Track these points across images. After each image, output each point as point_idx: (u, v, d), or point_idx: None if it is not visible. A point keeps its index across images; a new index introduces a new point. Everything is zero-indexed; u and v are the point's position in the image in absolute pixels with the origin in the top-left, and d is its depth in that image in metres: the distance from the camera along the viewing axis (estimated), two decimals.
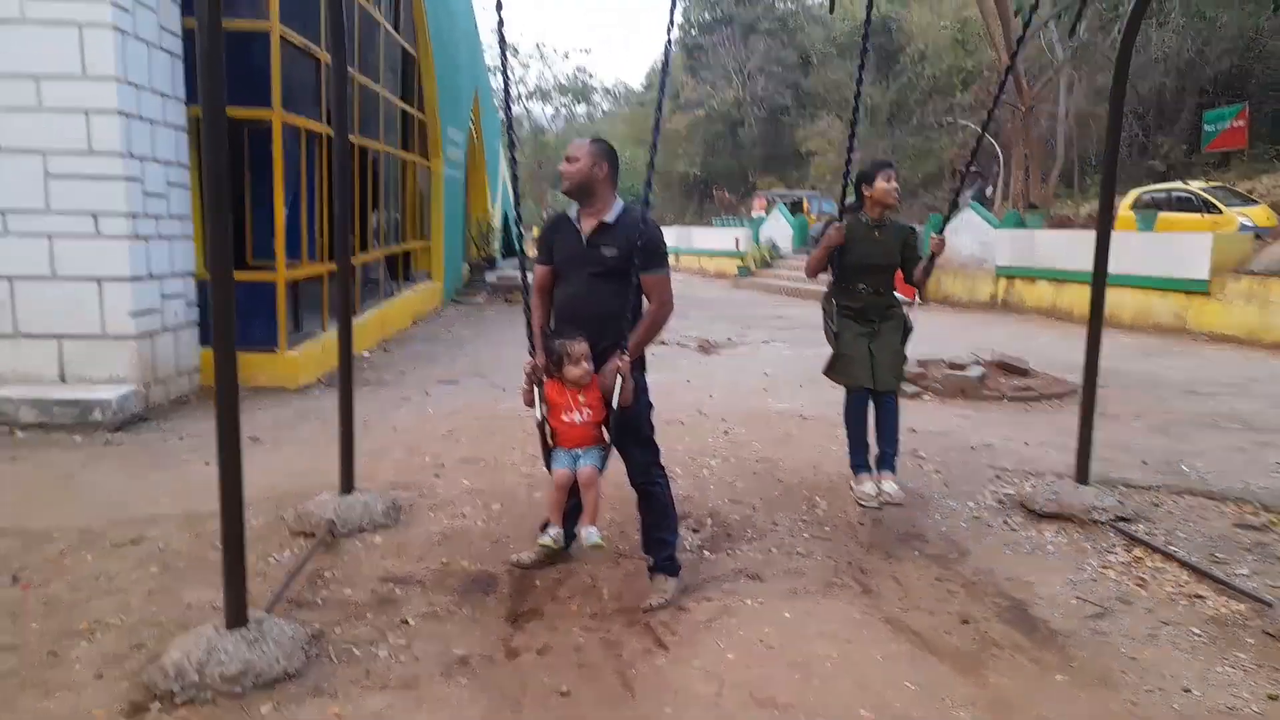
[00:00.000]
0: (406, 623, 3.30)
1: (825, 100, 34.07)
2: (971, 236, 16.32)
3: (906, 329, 4.49)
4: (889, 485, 4.22)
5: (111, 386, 6.25)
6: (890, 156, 29.29)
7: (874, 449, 4.45)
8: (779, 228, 24.09)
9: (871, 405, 4.45)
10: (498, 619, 3.40)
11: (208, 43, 2.69)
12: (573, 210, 3.54)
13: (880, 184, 4.38)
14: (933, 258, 4.39)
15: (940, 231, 4.45)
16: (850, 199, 4.52)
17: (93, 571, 3.65)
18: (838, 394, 8.11)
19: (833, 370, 4.51)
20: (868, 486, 4.25)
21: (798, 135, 34.86)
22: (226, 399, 2.82)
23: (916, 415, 6.82)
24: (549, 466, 3.46)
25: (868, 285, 4.41)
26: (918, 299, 4.53)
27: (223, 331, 2.79)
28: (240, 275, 7.34)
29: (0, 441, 5.62)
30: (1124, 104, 4.69)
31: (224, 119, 2.76)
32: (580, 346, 3.31)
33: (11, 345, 6.32)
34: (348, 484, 4.31)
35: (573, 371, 3.30)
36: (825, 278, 4.63)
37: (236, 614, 2.88)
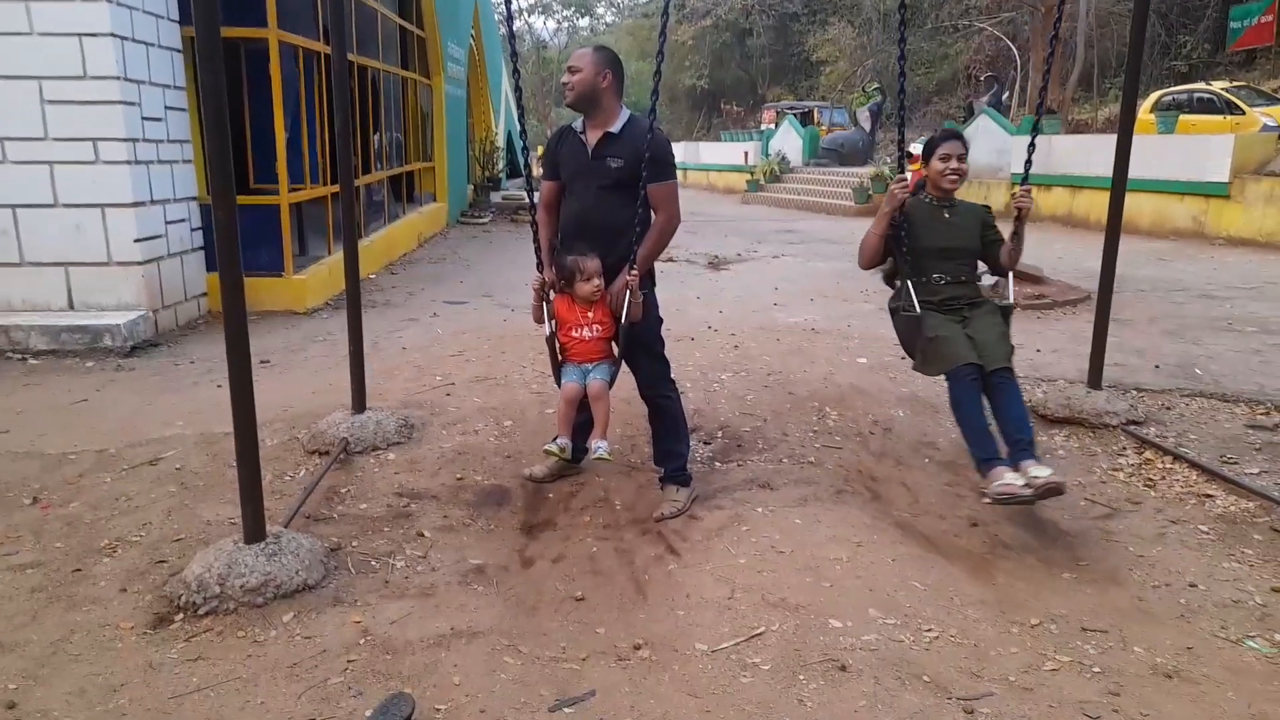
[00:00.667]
0: (422, 535, 3.36)
1: (837, 6, 32.88)
2: (987, 144, 15.95)
3: (1006, 312, 3.68)
4: (1038, 469, 3.20)
5: (120, 313, 6.27)
6: (899, 66, 28.32)
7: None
8: (789, 140, 23.58)
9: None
10: (512, 530, 3.46)
11: None
12: (578, 123, 3.46)
13: (935, 164, 3.65)
14: (1019, 219, 3.69)
15: (1023, 182, 3.77)
16: (916, 147, 3.94)
17: (111, 492, 3.71)
18: (849, 307, 8.06)
19: (925, 360, 3.59)
20: (1009, 476, 3.20)
21: (808, 44, 33.78)
22: (235, 318, 2.80)
23: None
24: (559, 381, 3.47)
25: (945, 274, 3.65)
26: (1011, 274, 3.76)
27: (228, 254, 2.75)
28: (243, 199, 7.25)
29: (13, 368, 5.66)
30: (1149, 1, 4.49)
31: (219, 39, 2.67)
32: (592, 263, 3.29)
33: (19, 274, 6.32)
34: (360, 403, 4.33)
35: (584, 288, 3.30)
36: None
37: (255, 529, 2.93)
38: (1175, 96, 15.83)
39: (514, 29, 3.42)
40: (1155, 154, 12.22)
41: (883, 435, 4.46)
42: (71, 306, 6.37)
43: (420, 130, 13.92)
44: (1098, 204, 13.37)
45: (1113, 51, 22.97)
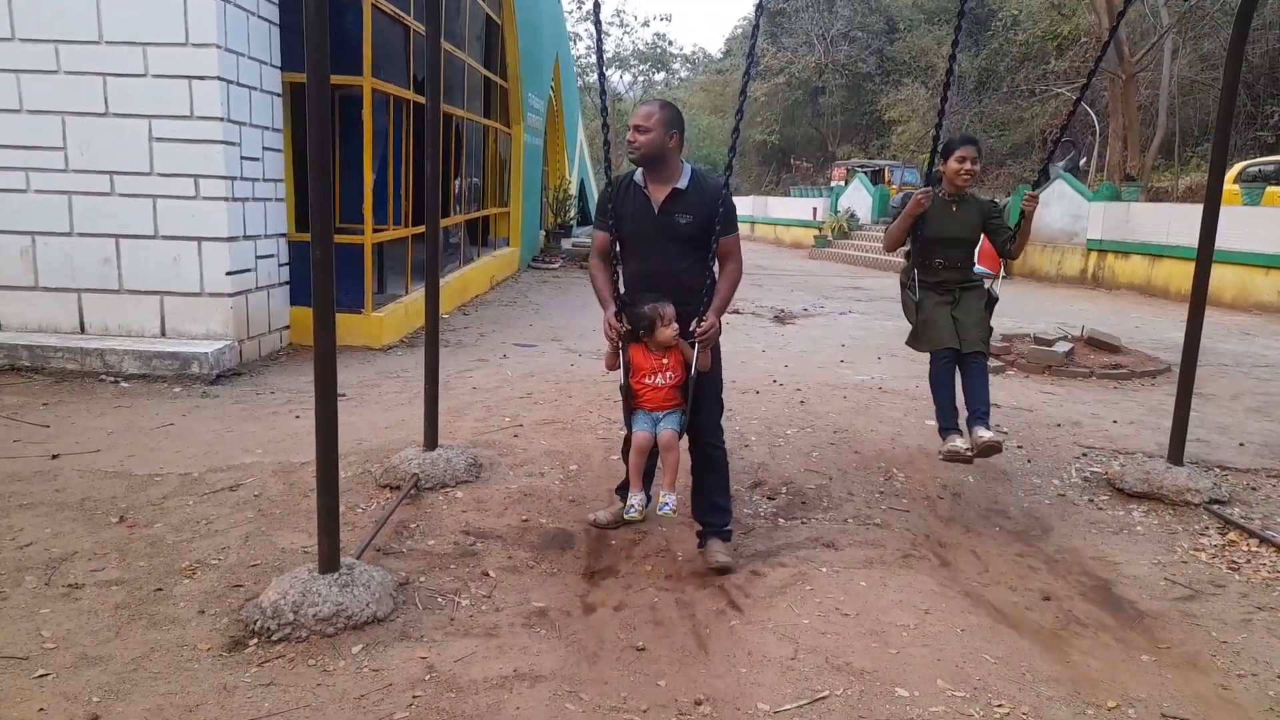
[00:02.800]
0: (487, 575, 3.40)
1: (911, 67, 32.99)
2: (1063, 209, 15.72)
3: (991, 298, 4.37)
4: (983, 432, 4.01)
5: (208, 342, 6.54)
6: (974, 129, 28.17)
7: (962, 414, 4.25)
8: (858, 197, 23.60)
9: (958, 373, 4.27)
10: (575, 575, 3.48)
11: (313, 13, 2.74)
12: (638, 175, 3.47)
13: (951, 164, 4.25)
14: (1025, 217, 4.21)
15: (1034, 187, 4.39)
16: (937, 169, 4.42)
17: (193, 515, 3.85)
18: (918, 367, 7.97)
19: (915, 339, 4.42)
20: (958, 441, 4.03)
21: (880, 103, 33.94)
22: (324, 355, 2.92)
23: (1000, 391, 6.66)
24: (629, 428, 3.50)
25: (944, 260, 4.32)
26: (1003, 273, 4.54)
27: (322, 291, 2.88)
28: None
29: (106, 390, 5.94)
30: (1240, 71, 4.42)
31: (328, 88, 2.81)
32: (670, 309, 3.33)
33: (117, 300, 6.66)
34: (432, 441, 4.43)
35: (665, 333, 3.32)
36: (900, 257, 4.59)
37: (330, 559, 3.01)
38: (1262, 168, 15.42)
39: (606, 86, 3.52)
40: (1241, 226, 11.90)
41: (951, 500, 4.38)
42: (164, 334, 6.67)
43: (498, 176, 14.32)
44: (1177, 274, 13.04)
45: (1195, 120, 22.56)
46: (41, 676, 2.59)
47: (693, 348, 3.35)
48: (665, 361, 3.39)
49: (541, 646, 2.90)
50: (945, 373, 4.23)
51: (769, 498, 4.35)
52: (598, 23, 3.53)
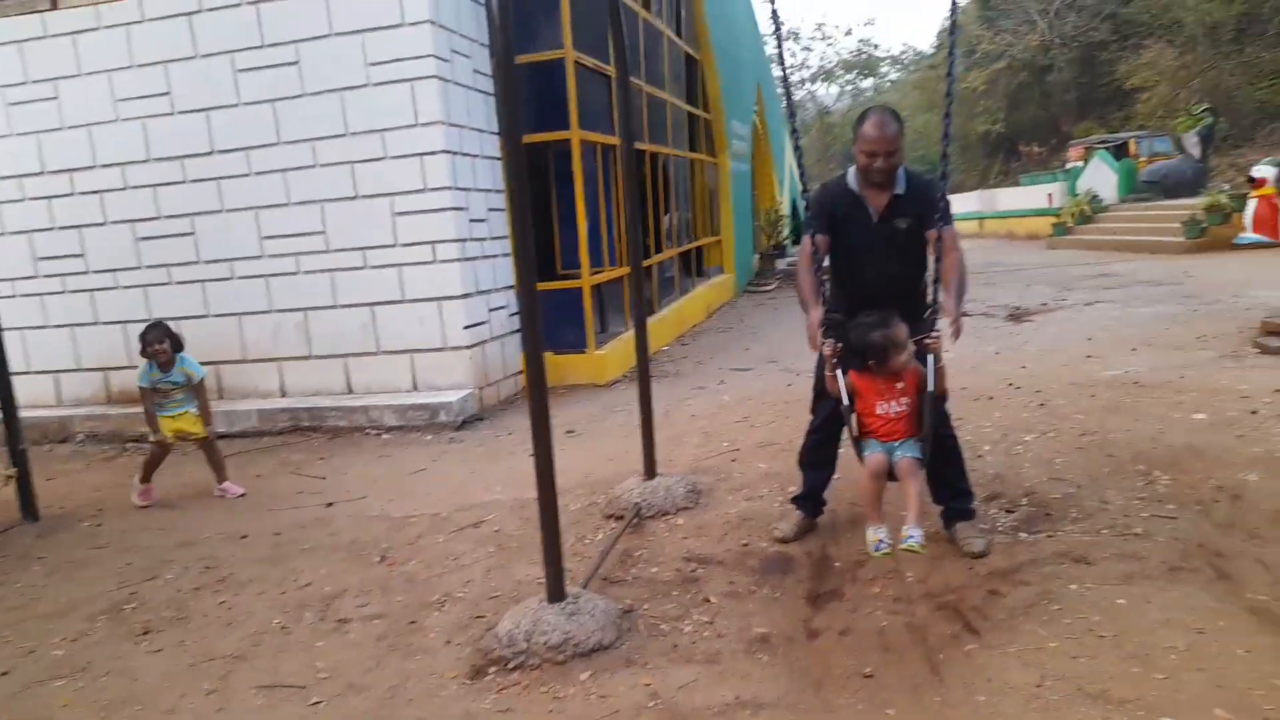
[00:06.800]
0: (709, 600, 3.41)
1: (1152, 27, 29.83)
2: None
3: None
4: None
5: (452, 391, 7.12)
6: (1233, 83, 24.78)
7: None
8: (1101, 176, 21.54)
9: None
10: (797, 599, 3.41)
11: (503, 81, 2.96)
12: (850, 179, 3.47)
13: None
14: None
15: None
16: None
17: (442, 551, 4.18)
18: (1183, 355, 7.17)
19: None
20: None
21: (1119, 71, 30.89)
22: (538, 400, 3.09)
23: None
24: (860, 455, 3.27)
25: None
26: None
27: (531, 338, 3.07)
28: (550, 285, 8.04)
29: (371, 442, 6.63)
30: None
31: (522, 150, 3.00)
32: (903, 329, 3.12)
33: (375, 361, 7.43)
34: (650, 470, 4.54)
35: (899, 361, 3.13)
36: None
37: (556, 589, 3.16)
38: None
39: (794, 105, 3.59)
40: None
41: (1230, 503, 3.84)
42: (415, 387, 7.35)
43: (707, 207, 14.55)
44: None
45: None
46: (315, 704, 2.92)
47: (925, 364, 3.14)
48: (899, 386, 3.16)
49: (764, 673, 2.87)
50: None
51: (1008, 510, 4.04)
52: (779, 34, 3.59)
